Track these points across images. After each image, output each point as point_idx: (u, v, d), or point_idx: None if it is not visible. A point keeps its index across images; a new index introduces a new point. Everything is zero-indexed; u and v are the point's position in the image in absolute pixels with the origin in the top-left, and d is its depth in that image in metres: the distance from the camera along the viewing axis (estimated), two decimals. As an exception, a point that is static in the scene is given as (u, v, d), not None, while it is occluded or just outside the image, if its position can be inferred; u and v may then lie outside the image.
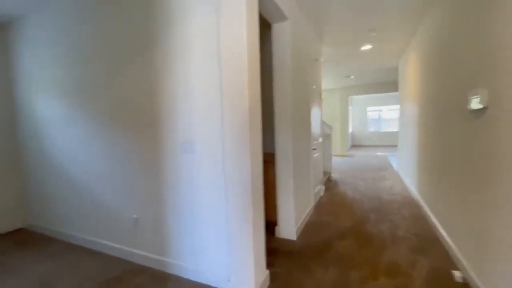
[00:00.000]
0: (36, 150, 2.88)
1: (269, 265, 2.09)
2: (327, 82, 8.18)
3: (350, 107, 11.44)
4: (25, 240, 2.79)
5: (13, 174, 3.07)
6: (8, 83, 3.01)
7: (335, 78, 7.65)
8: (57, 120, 2.63)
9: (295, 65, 2.61)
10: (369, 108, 13.06)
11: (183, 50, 1.82)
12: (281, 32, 2.49)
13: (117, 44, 2.12)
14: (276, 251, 2.35)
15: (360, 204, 3.61)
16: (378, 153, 9.53)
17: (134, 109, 2.10)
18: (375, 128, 13.08)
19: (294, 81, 2.60)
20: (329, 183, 4.92)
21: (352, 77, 7.48)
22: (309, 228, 2.83)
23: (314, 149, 3.47)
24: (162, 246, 2.09)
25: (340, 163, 7.36)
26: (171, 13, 1.84)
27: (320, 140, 4.03)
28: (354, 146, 13.03)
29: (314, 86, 3.66)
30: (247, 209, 1.63)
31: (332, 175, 5.59)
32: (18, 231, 3.05)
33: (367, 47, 4.47)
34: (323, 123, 4.64)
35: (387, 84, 8.46)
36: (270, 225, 2.78)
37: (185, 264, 1.98)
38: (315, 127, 3.63)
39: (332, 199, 3.85)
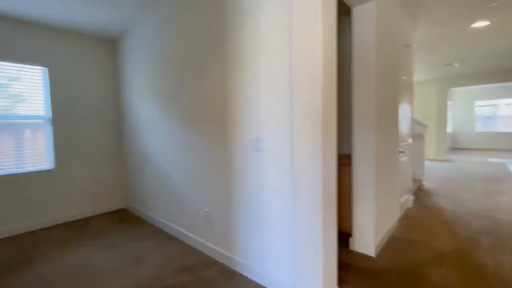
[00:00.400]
0: (134, 143, 3.39)
1: (340, 281, 1.85)
2: (422, 72, 6.94)
3: (449, 102, 9.48)
4: (124, 219, 3.33)
5: (118, 162, 3.72)
6: (117, 87, 3.65)
7: (432, 67, 6.41)
8: (149, 118, 3.01)
9: (380, 54, 2.23)
10: (478, 103, 10.51)
11: (253, 47, 1.76)
12: (363, 16, 2.16)
13: (194, 48, 2.25)
14: (349, 267, 2.07)
15: (465, 223, 2.87)
16: (491, 159, 7.56)
17: (208, 109, 2.18)
18: (484, 128, 10.46)
19: (379, 73, 2.22)
20: (419, 192, 4.14)
21: (456, 64, 6.11)
22: (392, 245, 2.40)
23: (401, 151, 2.94)
24: (230, 243, 2.11)
25: (436, 169, 6.16)
26: (242, 12, 1.81)
27: (410, 141, 3.41)
28: (455, 149, 10.77)
29: (404, 77, 3.10)
30: (317, 216, 1.45)
31: (424, 183, 4.70)
32: (120, 210, 3.68)
33: (481, 23, 3.52)
34: (414, 121, 3.92)
35: (506, 71, 6.58)
36: (343, 235, 2.49)
37: (250, 265, 1.95)
38: (404, 125, 3.07)
39: (424, 213, 3.20)
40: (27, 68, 2.97)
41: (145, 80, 3.02)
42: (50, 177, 3.13)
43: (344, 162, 2.43)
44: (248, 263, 1.97)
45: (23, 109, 2.98)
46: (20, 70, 2.93)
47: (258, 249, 1.88)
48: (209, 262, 2.20)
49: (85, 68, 3.36)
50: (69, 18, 2.84)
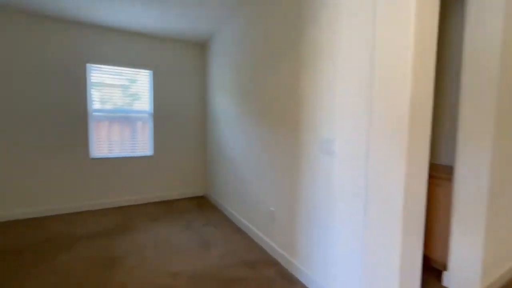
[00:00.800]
0: (214, 136, 3.69)
1: (424, 322, 1.50)
2: None
3: None
4: (202, 205, 3.68)
5: (201, 153, 4.13)
6: (204, 87, 4.05)
7: None
8: (227, 115, 3.21)
9: (508, 39, 1.65)
10: None
11: (329, 42, 1.60)
12: (485, -11, 1.65)
13: (270, 46, 2.23)
14: (439, 306, 1.66)
15: None
16: None
17: (280, 108, 2.13)
18: None
19: (504, 63, 1.65)
20: None
21: None
22: (510, 292, 1.80)
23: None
24: (293, 246, 2.02)
25: None
26: (317, 4, 1.67)
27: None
28: None
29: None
30: (395, 237, 1.20)
31: None
32: (200, 197, 4.09)
33: None
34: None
35: None
36: (433, 266, 2.02)
37: (312, 274, 1.81)
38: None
39: None
40: (142, 71, 3.63)
41: (225, 80, 3.22)
42: (150, 161, 3.75)
43: (440, 175, 1.96)
44: (309, 272, 1.83)
45: (137, 105, 3.67)
46: (136, 74, 3.61)
47: (322, 259, 1.72)
48: (271, 262, 2.17)
49: (178, 70, 3.86)
50: (165, 28, 3.31)
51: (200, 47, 3.99)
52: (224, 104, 3.29)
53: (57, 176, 3.22)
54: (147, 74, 3.68)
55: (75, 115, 3.26)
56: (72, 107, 3.24)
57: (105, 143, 3.53)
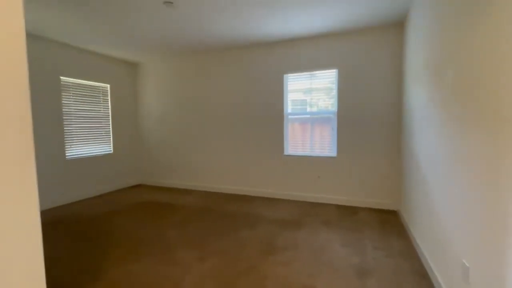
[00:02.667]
0: (412, 141, 2.84)
1: None
2: None
3: None
4: (387, 222, 2.98)
5: (395, 160, 3.35)
6: (399, 77, 3.24)
7: None
8: (420, 110, 2.34)
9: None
10: None
11: None
12: None
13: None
14: None
15: None
16: None
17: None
18: None
19: None
20: None
21: None
22: None
23: None
24: None
25: None
26: None
27: None
28: None
29: None
30: None
31: None
32: (390, 212, 3.33)
33: None
34: None
35: None
36: None
37: None
38: None
39: None
40: (327, 72, 3.65)
41: (419, 61, 2.35)
42: (333, 163, 3.67)
43: None
44: None
45: (324, 106, 3.76)
46: (322, 75, 3.70)
47: None
48: None
49: (366, 63, 3.39)
50: (348, 19, 3.00)
51: (393, 28, 3.24)
52: (418, 96, 2.43)
53: (262, 166, 4.11)
54: (333, 73, 3.62)
55: (274, 118, 3.96)
56: (272, 112, 3.97)
57: (296, 142, 3.95)
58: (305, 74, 3.77)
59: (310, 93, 3.82)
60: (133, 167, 5.09)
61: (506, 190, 1.01)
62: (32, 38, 3.44)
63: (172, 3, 2.61)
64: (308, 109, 3.86)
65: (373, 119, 3.42)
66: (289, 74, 3.86)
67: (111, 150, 4.63)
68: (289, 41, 3.77)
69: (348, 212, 3.33)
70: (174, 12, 2.83)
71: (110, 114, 4.58)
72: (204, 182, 4.60)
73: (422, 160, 2.24)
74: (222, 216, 3.26)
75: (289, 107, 3.94)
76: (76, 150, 4.05)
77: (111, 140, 4.63)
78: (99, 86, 4.39)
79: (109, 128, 4.59)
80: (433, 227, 1.88)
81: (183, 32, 3.41)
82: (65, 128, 3.85)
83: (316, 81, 3.75)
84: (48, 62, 3.62)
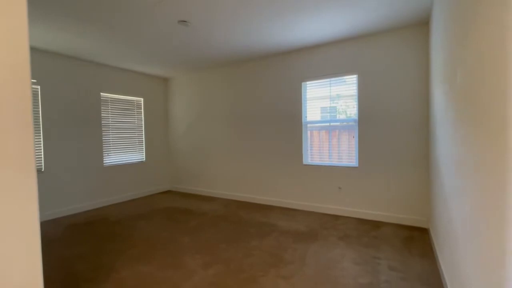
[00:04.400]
0: (436, 149, 2.54)
1: None
2: None
3: None
4: (413, 241, 2.68)
5: (423, 171, 3.03)
6: (427, 82, 2.95)
7: None
8: (442, 115, 2.09)
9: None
10: None
11: None
12: None
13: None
14: None
15: None
16: None
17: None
18: None
19: None
20: None
21: None
22: None
23: None
24: None
25: None
26: None
27: None
28: None
29: None
30: None
31: None
32: (420, 229, 2.99)
33: None
34: None
35: None
36: None
37: None
38: None
39: None
40: (348, 77, 3.50)
41: (439, 61, 2.13)
42: (354, 173, 3.45)
43: None
44: None
45: (344, 114, 3.60)
46: (342, 81, 3.56)
47: None
48: None
49: (389, 67, 3.16)
50: (368, 23, 2.85)
51: (418, 28, 2.98)
52: (440, 98, 2.18)
53: (281, 176, 4.05)
54: (353, 78, 3.45)
55: (293, 127, 3.91)
56: (291, 120, 3.92)
57: (316, 151, 3.82)
58: (325, 81, 3.66)
59: (331, 100, 3.69)
60: (164, 174, 5.44)
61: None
62: (74, 60, 3.98)
63: (186, 21, 2.80)
64: (329, 117, 3.73)
65: (398, 126, 3.15)
66: (307, 82, 3.79)
67: (143, 158, 5.03)
68: (306, 48, 3.72)
69: (369, 227, 3.09)
70: (190, 30, 3.03)
71: (143, 125, 5.00)
72: (226, 190, 4.70)
73: (442, 169, 2.00)
74: (237, 224, 3.28)
75: (308, 115, 3.85)
76: (113, 158, 4.49)
77: (144, 149, 5.04)
78: (134, 100, 4.85)
79: (142, 138, 5.01)
80: (452, 250, 1.65)
81: (201, 48, 3.60)
82: (103, 138, 4.32)
83: (336, 88, 3.61)
84: (89, 80, 4.14)
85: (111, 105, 4.45)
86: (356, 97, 3.45)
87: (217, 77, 4.72)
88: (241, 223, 3.32)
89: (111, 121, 4.46)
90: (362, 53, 3.34)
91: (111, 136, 4.44)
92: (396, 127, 3.17)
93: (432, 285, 1.92)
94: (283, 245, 2.66)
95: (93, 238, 2.95)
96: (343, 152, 3.62)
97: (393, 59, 3.15)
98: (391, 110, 3.19)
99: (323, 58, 3.61)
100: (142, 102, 4.99)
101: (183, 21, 2.79)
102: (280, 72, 4.00)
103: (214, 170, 4.84)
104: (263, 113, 4.19)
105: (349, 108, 3.55)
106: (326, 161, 3.74)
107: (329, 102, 3.71)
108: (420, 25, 2.98)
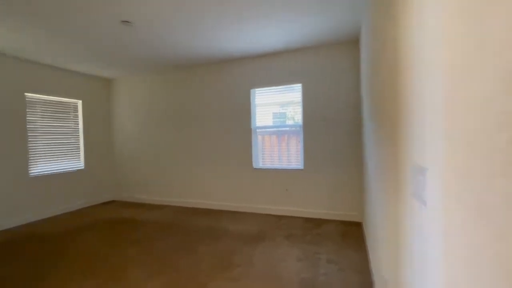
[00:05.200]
0: (364, 150, 2.90)
1: None
2: None
3: None
4: (349, 235, 2.98)
5: (357, 171, 3.40)
6: (357, 90, 3.35)
7: None
8: (367, 122, 2.41)
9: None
10: None
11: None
12: None
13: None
14: None
15: None
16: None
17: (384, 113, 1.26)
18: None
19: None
20: None
21: None
22: None
23: None
24: None
25: None
26: None
27: None
28: None
29: None
30: None
31: None
32: (355, 224, 3.35)
33: None
34: None
35: None
36: None
37: None
38: None
39: None
40: (294, 86, 3.75)
41: (365, 77, 2.45)
42: (300, 175, 3.70)
43: None
44: None
45: (291, 120, 3.84)
46: (288, 89, 3.79)
47: None
48: None
49: (329, 77, 3.49)
50: (306, 37, 3.12)
51: (351, 45, 3.38)
52: (366, 109, 2.51)
53: (231, 180, 4.11)
54: (299, 87, 3.71)
55: (243, 132, 4.01)
56: (241, 126, 4.01)
57: (266, 155, 3.98)
58: (276, 88, 3.86)
59: (281, 107, 3.90)
60: (107, 182, 5.01)
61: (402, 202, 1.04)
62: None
63: (130, 22, 2.68)
64: (278, 123, 3.93)
65: (336, 131, 3.49)
66: (256, 89, 3.95)
67: (82, 166, 4.56)
68: (254, 57, 3.87)
69: (313, 225, 3.33)
70: (133, 31, 2.90)
71: (81, 129, 4.55)
72: (176, 197, 4.55)
73: (368, 167, 2.29)
74: (186, 232, 3.21)
75: (260, 121, 4.00)
76: (42, 166, 3.98)
77: (82, 156, 4.57)
78: (70, 102, 4.39)
79: (80, 144, 4.55)
80: (373, 238, 1.90)
81: (147, 49, 3.47)
82: (29, 145, 3.79)
83: (287, 95, 3.84)
84: (10, 79, 3.60)
85: (40, 107, 3.95)
86: (301, 104, 3.71)
87: (166, 80, 4.57)
88: (191, 230, 3.26)
89: (40, 125, 3.95)
90: (306, 63, 3.62)
91: (40, 142, 3.93)
92: (335, 132, 3.50)
93: (363, 272, 2.18)
94: (232, 248, 2.70)
95: (19, 258, 2.57)
96: (292, 156, 3.85)
97: (332, 70, 3.49)
98: (330, 116, 3.52)
99: (271, 66, 3.80)
100: (79, 105, 4.54)
101: (126, 21, 2.66)
102: (229, 78, 4.07)
103: (163, 177, 4.65)
104: (214, 118, 4.20)
105: (297, 114, 3.81)
106: (276, 164, 3.92)
107: (280, 108, 3.92)
108: (354, 41, 3.38)
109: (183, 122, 4.45)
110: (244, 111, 3.99)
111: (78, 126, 4.52)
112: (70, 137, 4.39)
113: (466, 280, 0.46)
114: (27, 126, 3.78)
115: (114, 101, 5.07)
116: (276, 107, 3.96)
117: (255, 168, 3.95)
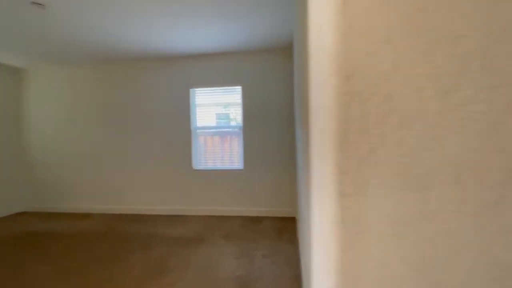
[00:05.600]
0: (296, 142, 3.14)
1: None
2: None
3: None
4: (284, 230, 3.18)
5: (292, 169, 3.66)
6: (291, 93, 3.61)
7: None
8: (296, 124, 2.62)
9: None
10: None
11: None
12: None
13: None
14: None
15: None
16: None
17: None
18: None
19: None
20: None
21: None
22: None
23: None
24: None
25: None
26: None
27: None
28: None
29: None
30: None
31: None
32: (291, 219, 3.59)
33: None
34: None
35: None
36: None
37: None
38: None
39: None
40: (234, 88, 3.81)
41: (296, 84, 2.66)
42: (241, 175, 3.78)
43: None
44: None
45: (231, 121, 3.89)
46: (229, 91, 3.84)
47: None
48: None
49: (267, 82, 3.67)
50: (245, 40, 3.22)
51: (288, 49, 3.62)
52: (297, 111, 2.73)
53: (169, 183, 3.94)
54: (238, 89, 3.79)
55: (182, 132, 3.89)
56: (179, 126, 3.89)
57: (206, 156, 3.95)
58: (217, 89, 3.85)
59: (224, 108, 3.91)
60: (15, 192, 4.23)
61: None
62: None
63: (42, 4, 2.33)
64: (222, 123, 3.93)
65: (273, 133, 3.69)
66: (195, 89, 3.88)
67: (-21, 173, 3.76)
68: (194, 56, 3.79)
69: (251, 223, 3.45)
70: (47, 15, 2.53)
71: (-22, 128, 3.75)
72: (106, 204, 4.14)
73: (299, 164, 2.49)
74: (118, 241, 2.95)
75: (201, 121, 3.93)
76: None
77: (-20, 160, 3.77)
78: (-39, 94, 3.57)
79: (-24, 146, 3.75)
80: (301, 231, 2.08)
81: (65, 37, 3.05)
82: None
83: (228, 96, 3.87)
84: None
85: None
86: (241, 107, 3.79)
87: (94, 75, 4.11)
88: (123, 239, 3.01)
89: None
90: (245, 67, 3.73)
91: None
92: (271, 133, 3.69)
93: (294, 265, 2.35)
94: (168, 253, 2.60)
95: None
96: (234, 157, 3.89)
97: (270, 74, 3.67)
98: (267, 118, 3.69)
99: (210, 67, 3.79)
100: (-24, 98, 3.73)
101: (37, 3, 2.31)
102: (167, 77, 3.90)
103: (91, 182, 4.17)
104: (150, 117, 3.96)
105: (239, 116, 3.88)
106: (219, 165, 3.91)
107: (223, 109, 3.93)
108: (289, 48, 3.62)
109: (115, 122, 4.07)
110: (183, 111, 3.88)
111: (-27, 124, 3.71)
112: (-38, 138, 3.57)
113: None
114: None
115: (25, 95, 4.32)
116: (219, 108, 3.97)
117: (196, 169, 3.88)
